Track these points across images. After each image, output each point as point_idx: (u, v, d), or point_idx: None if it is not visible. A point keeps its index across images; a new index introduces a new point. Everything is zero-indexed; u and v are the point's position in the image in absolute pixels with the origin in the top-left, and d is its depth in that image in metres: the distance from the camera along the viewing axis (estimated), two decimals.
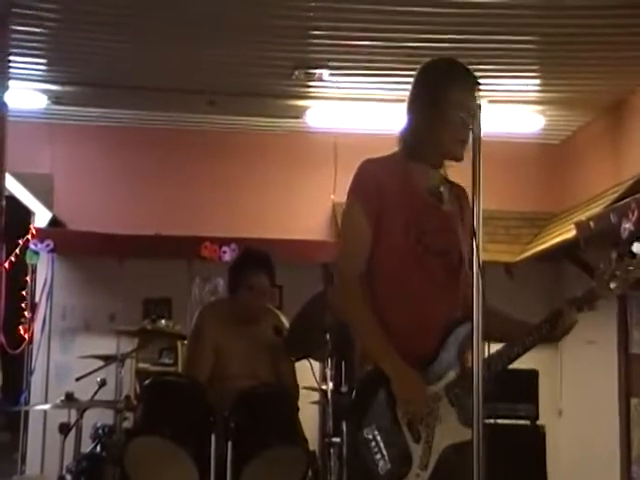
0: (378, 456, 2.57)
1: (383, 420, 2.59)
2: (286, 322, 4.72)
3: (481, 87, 2.76)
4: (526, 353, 2.65)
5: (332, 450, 4.50)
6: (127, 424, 4.86)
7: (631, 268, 2.63)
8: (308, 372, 4.79)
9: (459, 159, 2.74)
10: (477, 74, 2.79)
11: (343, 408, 4.17)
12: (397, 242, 2.69)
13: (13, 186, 7.37)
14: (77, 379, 5.12)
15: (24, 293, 7.90)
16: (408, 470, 2.55)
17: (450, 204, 2.81)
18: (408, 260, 2.69)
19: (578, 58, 6.01)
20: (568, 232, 6.46)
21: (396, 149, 2.83)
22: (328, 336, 4.38)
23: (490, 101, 6.25)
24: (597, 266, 2.67)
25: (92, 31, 5.80)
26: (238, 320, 4.64)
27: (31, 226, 7.69)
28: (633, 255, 2.64)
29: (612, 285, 2.63)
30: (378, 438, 2.58)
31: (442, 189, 2.82)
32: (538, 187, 7.99)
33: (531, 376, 6.71)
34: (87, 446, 4.95)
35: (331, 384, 4.54)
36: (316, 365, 4.77)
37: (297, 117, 7.43)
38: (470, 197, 2.41)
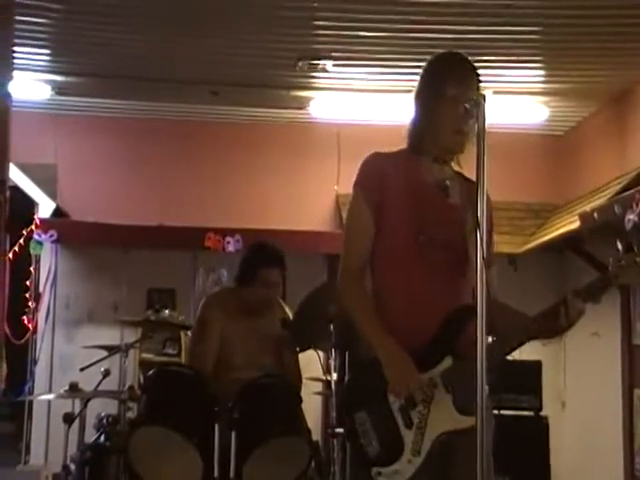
0: (368, 440, 2.60)
1: (374, 405, 2.62)
2: (291, 314, 4.73)
3: (481, 80, 2.78)
4: (529, 342, 2.63)
5: (335, 441, 4.51)
6: (131, 414, 4.87)
7: None
8: (313, 363, 4.81)
9: (460, 150, 2.76)
10: (481, 65, 2.80)
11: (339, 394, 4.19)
12: (399, 233, 2.71)
13: (17, 177, 7.37)
14: (81, 369, 5.13)
15: (28, 283, 7.91)
16: (399, 455, 2.57)
17: (459, 197, 2.82)
18: (409, 251, 2.70)
19: (582, 49, 5.99)
20: (572, 223, 6.45)
21: (404, 145, 2.85)
22: (332, 327, 4.39)
23: (494, 92, 6.24)
24: (614, 253, 2.63)
25: (96, 22, 5.80)
26: (245, 311, 4.65)
27: (35, 216, 7.70)
28: None
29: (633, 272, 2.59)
30: (369, 423, 2.61)
31: (448, 182, 2.83)
32: (542, 178, 7.98)
33: (535, 367, 6.73)
34: (91, 436, 4.96)
35: (335, 375, 4.55)
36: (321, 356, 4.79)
37: (301, 108, 7.42)
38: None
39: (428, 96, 2.78)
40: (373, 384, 2.63)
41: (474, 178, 2.39)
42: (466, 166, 2.67)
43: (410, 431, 2.59)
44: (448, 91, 2.72)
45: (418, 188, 2.76)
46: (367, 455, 2.60)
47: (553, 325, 2.63)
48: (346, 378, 4.46)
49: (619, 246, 2.62)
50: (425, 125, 2.78)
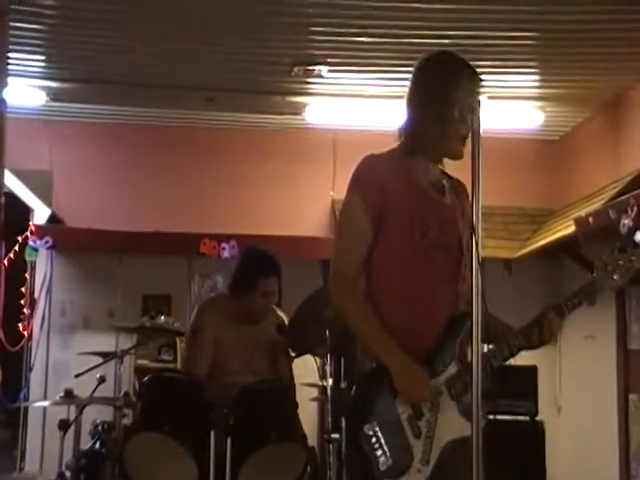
0: (379, 452, 2.56)
1: (384, 416, 2.59)
2: (286, 319, 4.72)
3: (483, 83, 2.76)
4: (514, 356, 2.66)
5: (331, 446, 4.51)
6: (126, 421, 4.87)
7: (634, 258, 2.61)
8: (309, 369, 4.80)
9: (459, 157, 2.73)
10: (476, 70, 2.78)
11: (343, 404, 4.17)
12: (402, 237, 2.67)
13: (12, 183, 7.36)
14: (76, 376, 5.12)
15: (23, 290, 7.90)
16: (409, 465, 2.54)
17: (451, 198, 2.81)
18: (413, 255, 2.67)
19: (577, 54, 6.01)
20: (567, 228, 6.46)
21: (395, 145, 2.82)
22: (328, 332, 4.38)
23: (489, 97, 6.25)
24: (599, 257, 2.65)
25: (91, 28, 5.80)
26: (241, 318, 4.63)
27: (30, 223, 7.69)
28: (636, 245, 2.63)
29: (615, 276, 2.62)
30: (379, 434, 2.57)
31: (444, 182, 2.82)
32: (537, 183, 7.99)
33: (530, 372, 6.73)
34: (86, 443, 4.95)
35: (330, 380, 4.54)
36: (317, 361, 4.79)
37: (296, 114, 7.42)
38: (469, 193, 2.40)
39: (431, 98, 2.72)
40: (380, 394, 2.60)
41: (469, 183, 2.38)
42: (462, 171, 2.66)
43: (419, 440, 2.57)
44: (454, 96, 2.67)
45: (416, 190, 2.73)
46: (378, 467, 2.56)
47: (535, 338, 2.67)
48: (343, 385, 4.48)
49: (615, 247, 2.64)
50: (427, 128, 2.73)
